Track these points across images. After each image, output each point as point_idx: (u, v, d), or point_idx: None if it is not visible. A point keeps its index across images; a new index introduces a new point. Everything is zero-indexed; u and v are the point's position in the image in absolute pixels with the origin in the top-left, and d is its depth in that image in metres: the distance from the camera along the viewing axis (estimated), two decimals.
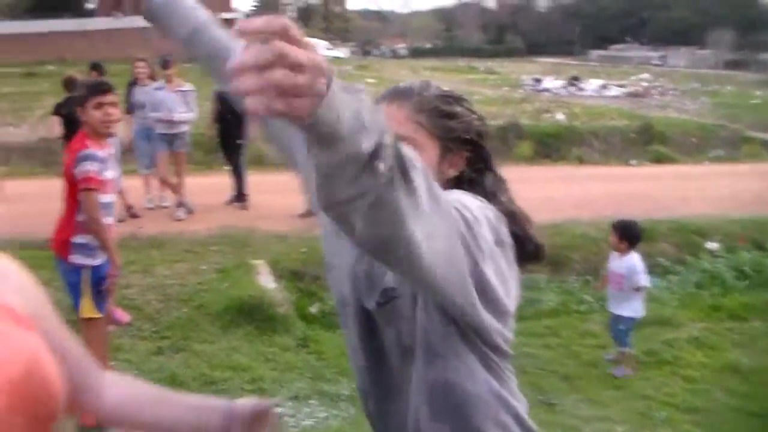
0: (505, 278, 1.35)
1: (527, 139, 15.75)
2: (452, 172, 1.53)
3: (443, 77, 32.11)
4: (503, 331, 1.41)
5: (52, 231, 4.18)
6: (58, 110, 8.06)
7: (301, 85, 0.80)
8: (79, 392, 1.36)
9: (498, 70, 39.22)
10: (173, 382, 4.64)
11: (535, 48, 68.34)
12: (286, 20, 0.81)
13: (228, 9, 49.98)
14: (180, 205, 8.90)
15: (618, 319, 5.46)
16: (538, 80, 30.08)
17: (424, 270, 1.09)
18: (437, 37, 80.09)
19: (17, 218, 7.75)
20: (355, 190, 0.92)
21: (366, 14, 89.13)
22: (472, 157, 1.55)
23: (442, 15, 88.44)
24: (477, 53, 59.46)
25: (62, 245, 4.06)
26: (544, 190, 11.08)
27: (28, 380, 1.14)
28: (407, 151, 1.00)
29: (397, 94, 1.53)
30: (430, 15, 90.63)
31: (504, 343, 1.45)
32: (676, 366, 5.66)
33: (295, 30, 0.82)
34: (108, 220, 4.06)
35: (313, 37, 58.95)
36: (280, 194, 8.13)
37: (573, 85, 28.89)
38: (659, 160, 15.24)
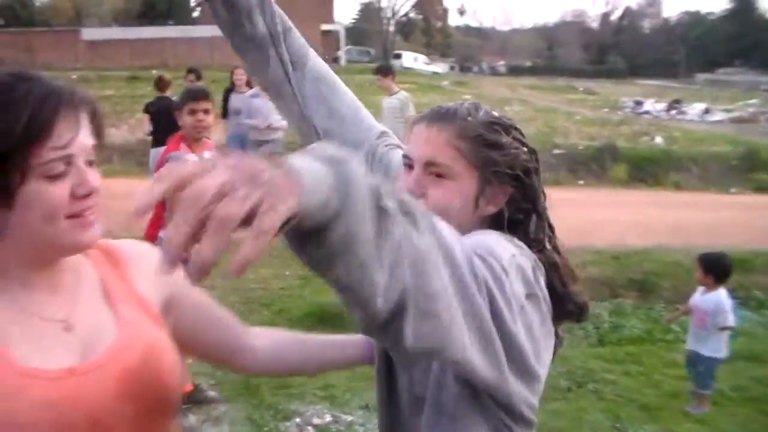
0: (536, 337, 1.19)
1: (623, 162, 15.48)
2: (490, 209, 1.37)
3: (541, 96, 31.84)
4: (529, 398, 1.22)
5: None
6: (147, 108, 8.35)
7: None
8: (233, 354, 1.51)
9: (598, 91, 38.62)
10: (247, 384, 4.74)
11: (637, 69, 66.98)
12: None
13: (330, 20, 50.88)
14: None
15: (697, 357, 5.18)
16: (638, 102, 29.51)
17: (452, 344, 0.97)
18: (537, 56, 79.42)
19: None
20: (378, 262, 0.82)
21: (466, 30, 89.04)
22: (516, 195, 1.37)
23: (543, 33, 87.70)
24: (577, 73, 58.66)
25: (151, 240, 4.24)
26: (636, 214, 10.87)
27: (143, 370, 1.21)
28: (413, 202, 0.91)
29: (440, 117, 1.38)
30: (531, 33, 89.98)
31: (529, 411, 1.25)
32: (765, 404, 5.43)
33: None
34: None
35: (413, 51, 59.41)
36: None
37: (675, 108, 28.23)
38: (762, 188, 14.67)
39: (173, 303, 1.39)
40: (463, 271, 0.99)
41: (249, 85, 9.25)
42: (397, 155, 1.59)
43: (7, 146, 1.08)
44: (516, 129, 1.40)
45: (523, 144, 1.39)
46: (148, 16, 56.79)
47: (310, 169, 0.76)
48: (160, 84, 9.03)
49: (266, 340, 1.57)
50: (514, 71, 62.05)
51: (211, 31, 44.56)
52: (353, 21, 74.44)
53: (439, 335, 0.93)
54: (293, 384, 4.90)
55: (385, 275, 0.84)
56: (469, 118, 1.36)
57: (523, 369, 1.15)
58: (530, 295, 1.19)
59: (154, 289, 1.33)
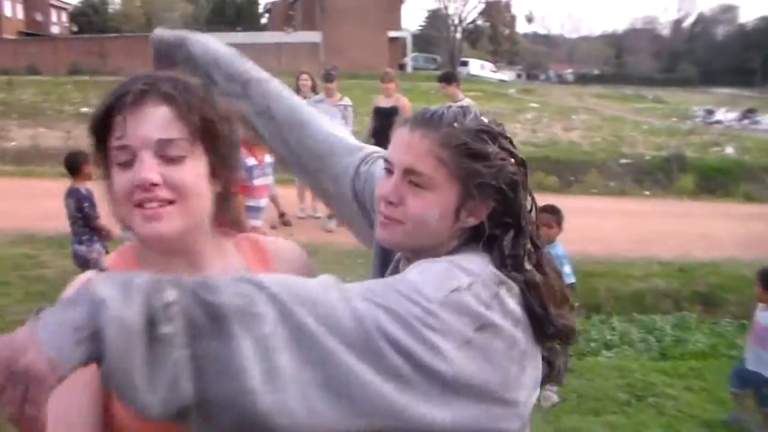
0: (501, 365, 1.15)
1: (691, 172, 15.16)
2: (471, 221, 1.29)
3: (609, 105, 31.43)
4: (498, 424, 1.16)
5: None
6: None
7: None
8: None
9: (667, 100, 37.96)
10: None
11: (710, 77, 65.54)
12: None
13: (397, 27, 51.07)
14: (331, 216, 9.13)
15: (763, 381, 4.87)
16: (710, 111, 28.91)
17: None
18: (606, 64, 78.40)
19: None
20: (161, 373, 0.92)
21: (534, 38, 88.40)
22: (497, 208, 1.29)
23: (612, 41, 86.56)
24: (646, 81, 57.71)
25: None
26: (703, 226, 10.65)
27: None
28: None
29: (425, 121, 1.30)
30: (600, 41, 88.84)
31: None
32: None
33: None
34: (255, 222, 4.31)
35: (480, 58, 59.23)
36: None
37: (748, 117, 27.57)
38: None
39: None
40: (318, 338, 1.00)
41: (314, 90, 9.45)
42: (380, 164, 1.53)
43: (97, 133, 1.27)
44: (505, 137, 1.32)
45: (512, 154, 1.31)
46: (217, 22, 57.90)
47: (54, 323, 0.88)
48: None
49: None
50: (582, 79, 61.39)
51: (279, 37, 45.37)
52: (420, 28, 74.59)
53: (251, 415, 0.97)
54: None
55: (161, 393, 0.92)
56: (455, 125, 1.28)
57: (480, 397, 1.12)
58: (483, 327, 1.13)
59: None
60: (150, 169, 1.20)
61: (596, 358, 6.26)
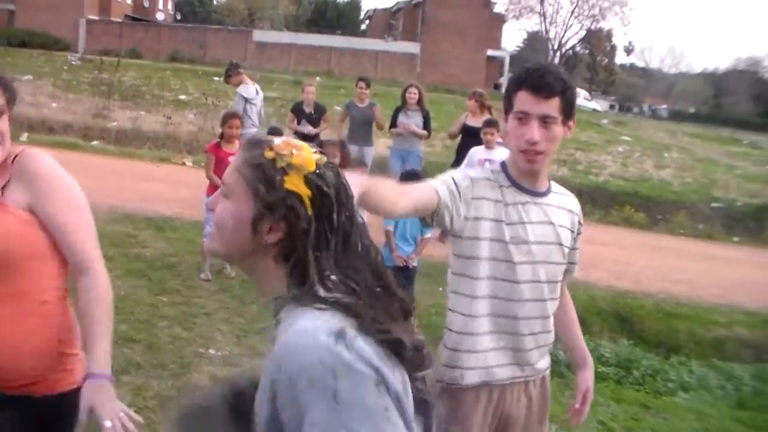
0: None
1: None
2: (272, 238, 1.36)
3: (702, 145, 30.79)
4: None
5: None
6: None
7: None
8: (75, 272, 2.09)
9: (764, 146, 36.89)
10: None
11: None
12: None
13: (497, 47, 51.00)
14: None
15: None
16: None
17: None
18: (703, 103, 76.57)
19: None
20: None
21: (631, 69, 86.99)
22: (289, 236, 1.36)
23: (712, 80, 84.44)
24: (743, 125, 56.03)
25: None
26: None
27: None
28: None
29: (254, 143, 1.43)
30: (699, 78, 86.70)
31: None
32: None
33: None
34: None
35: (575, 86, 58.30)
36: None
37: None
38: None
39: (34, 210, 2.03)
40: None
41: (419, 103, 9.78)
42: None
43: None
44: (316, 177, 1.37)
45: (318, 187, 1.36)
46: (318, 24, 58.75)
47: None
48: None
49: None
50: (676, 116, 60.09)
51: (377, 45, 45.83)
52: (518, 48, 74.25)
53: None
54: None
55: None
56: (267, 151, 1.37)
57: None
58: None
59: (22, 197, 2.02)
60: None
61: (672, 399, 6.25)
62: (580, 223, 2.56)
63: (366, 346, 1.22)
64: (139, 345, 5.21)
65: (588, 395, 2.69)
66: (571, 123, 2.36)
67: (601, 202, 15.15)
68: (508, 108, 2.37)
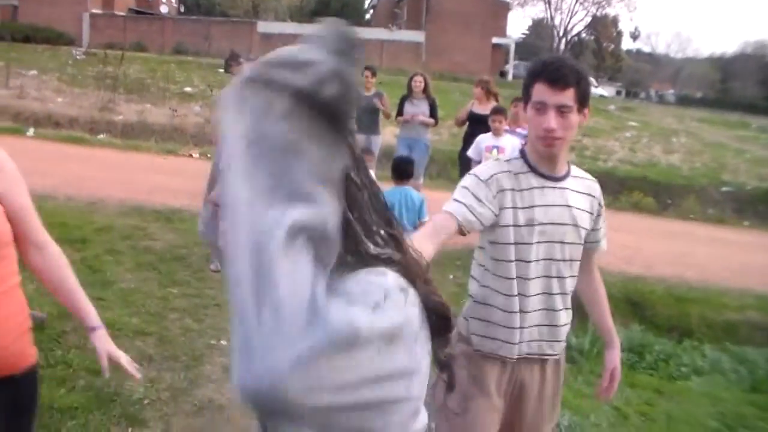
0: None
1: None
2: None
3: (710, 130, 30.67)
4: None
5: None
6: None
7: None
8: (21, 241, 2.23)
9: None
10: None
11: None
12: None
13: (502, 34, 50.83)
14: None
15: None
16: None
17: None
18: (710, 87, 76.23)
19: None
20: None
21: (638, 55, 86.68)
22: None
23: (719, 64, 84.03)
24: (751, 109, 55.74)
25: None
26: None
27: None
28: None
29: None
30: (706, 63, 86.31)
31: None
32: None
33: None
34: None
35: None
36: None
37: None
38: None
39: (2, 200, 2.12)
40: None
41: (425, 92, 9.76)
42: None
43: None
44: None
45: None
46: (322, 14, 58.36)
47: None
48: None
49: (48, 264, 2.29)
50: (684, 101, 59.86)
51: (382, 34, 45.76)
52: (523, 35, 73.95)
53: None
54: None
55: None
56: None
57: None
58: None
59: None
60: None
61: (686, 383, 6.23)
62: (600, 204, 2.75)
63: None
64: (151, 338, 5.21)
65: (615, 373, 2.90)
66: (586, 111, 2.52)
67: (609, 187, 15.03)
68: (526, 98, 2.52)
